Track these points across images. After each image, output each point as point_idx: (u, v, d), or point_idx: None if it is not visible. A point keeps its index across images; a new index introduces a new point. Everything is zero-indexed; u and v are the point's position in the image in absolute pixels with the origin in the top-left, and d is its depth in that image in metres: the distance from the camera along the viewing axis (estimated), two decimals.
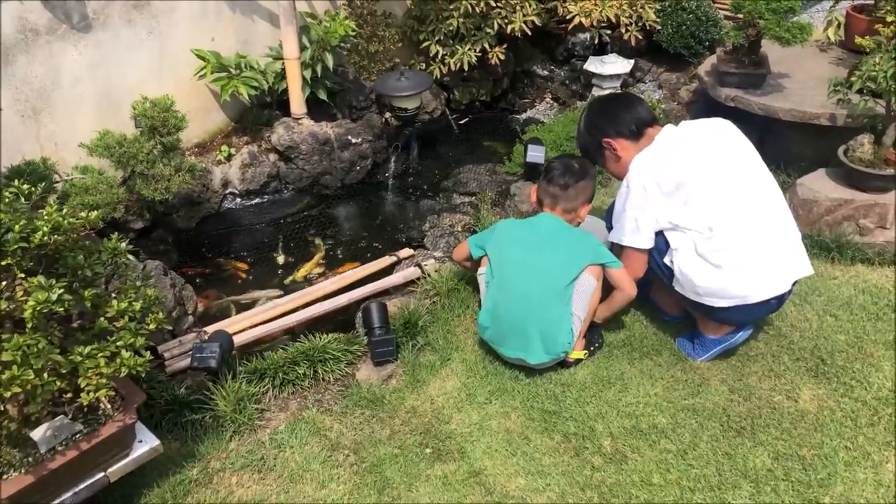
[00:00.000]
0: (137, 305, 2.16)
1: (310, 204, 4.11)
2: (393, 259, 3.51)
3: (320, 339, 2.94)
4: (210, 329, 3.03)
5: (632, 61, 4.81)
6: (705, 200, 2.66)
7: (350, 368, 2.92)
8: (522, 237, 2.85)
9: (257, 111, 4.11)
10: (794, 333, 3.02)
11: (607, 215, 3.07)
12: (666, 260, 2.78)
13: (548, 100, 5.19)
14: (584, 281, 2.78)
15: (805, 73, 4.17)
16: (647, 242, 2.77)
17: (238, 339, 2.98)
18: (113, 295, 2.18)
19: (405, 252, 3.55)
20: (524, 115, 5.09)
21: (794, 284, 2.79)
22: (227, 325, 3.07)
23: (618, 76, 4.73)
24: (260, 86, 3.87)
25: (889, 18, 3.70)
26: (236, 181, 3.95)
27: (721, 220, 2.66)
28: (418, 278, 3.33)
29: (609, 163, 2.94)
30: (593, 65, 4.77)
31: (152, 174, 3.09)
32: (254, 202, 4.03)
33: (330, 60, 3.98)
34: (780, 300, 2.77)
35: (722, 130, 2.80)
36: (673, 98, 4.80)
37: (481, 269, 2.92)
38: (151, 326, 2.18)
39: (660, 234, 2.77)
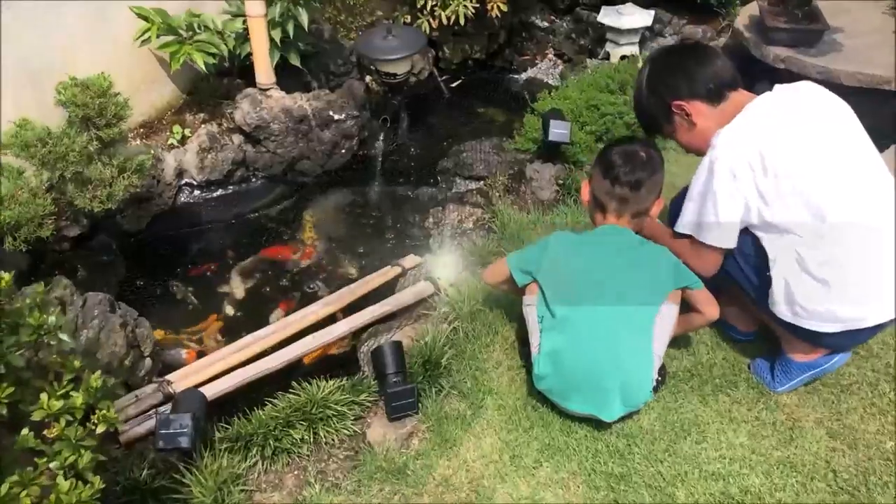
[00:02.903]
0: (78, 400, 1.51)
1: (283, 194, 3.43)
2: (396, 270, 2.86)
3: (318, 386, 2.31)
4: (174, 378, 2.37)
5: (651, 12, 4.13)
6: (813, 196, 2.06)
7: (358, 425, 2.31)
8: (589, 261, 2.23)
9: (215, 80, 3.37)
10: (887, 353, 2.50)
11: (672, 205, 2.48)
12: (754, 271, 2.22)
13: (550, 56, 4.52)
14: (666, 311, 2.21)
15: (860, 27, 3.58)
16: (731, 241, 2.19)
17: (210, 391, 2.34)
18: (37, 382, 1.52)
19: (410, 261, 2.90)
20: (524, 75, 4.43)
21: None
22: (195, 371, 2.41)
23: (636, 30, 4.07)
24: (219, 51, 3.13)
25: None
26: (193, 170, 3.23)
27: (832, 223, 2.07)
28: (431, 294, 2.70)
29: (680, 132, 2.30)
30: (608, 16, 4.09)
31: (88, 177, 2.37)
32: (216, 194, 3.32)
33: (304, 17, 3.24)
34: None
35: (833, 106, 2.19)
36: None
37: (529, 300, 2.30)
38: (100, 429, 1.53)
39: (749, 237, 2.19)
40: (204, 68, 3.04)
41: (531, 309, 2.30)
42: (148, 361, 2.43)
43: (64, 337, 1.49)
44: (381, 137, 3.59)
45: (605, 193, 2.26)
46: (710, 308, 2.29)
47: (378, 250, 3.13)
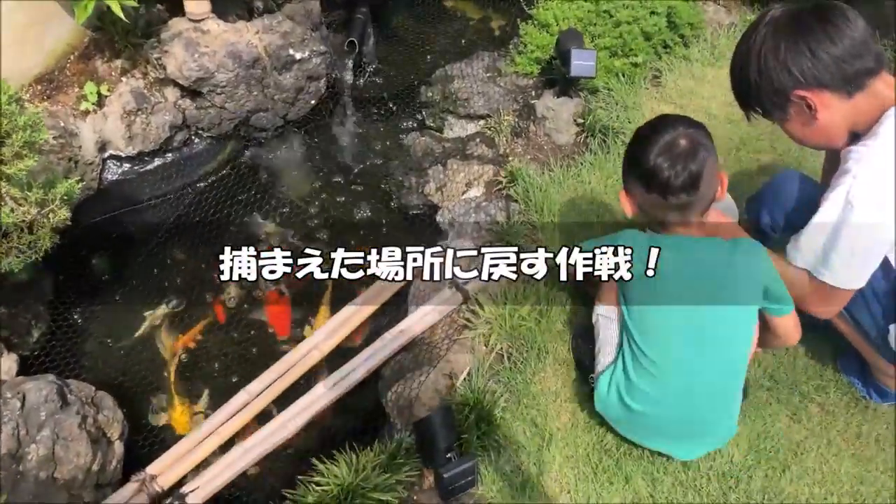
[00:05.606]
0: None
1: (235, 151, 2.74)
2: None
3: (348, 465, 1.84)
4: (157, 469, 1.85)
5: None
6: None
7: None
8: (681, 283, 1.73)
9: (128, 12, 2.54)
10: None
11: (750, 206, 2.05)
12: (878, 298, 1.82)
13: None
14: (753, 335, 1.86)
15: None
16: (864, 280, 1.75)
17: (207, 487, 1.84)
18: None
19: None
20: None
21: None
22: (181, 456, 1.88)
23: None
24: None
25: None
26: (119, 140, 2.49)
27: None
28: (460, 306, 2.19)
29: (794, 124, 1.74)
30: None
31: None
32: (152, 166, 2.60)
33: None
34: None
35: None
36: None
37: (605, 311, 1.87)
38: None
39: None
40: (122, 15, 2.22)
41: (607, 322, 1.87)
42: (118, 447, 1.87)
43: None
44: (350, 66, 2.86)
45: (657, 209, 1.70)
46: (793, 336, 1.89)
47: (371, 227, 2.54)
